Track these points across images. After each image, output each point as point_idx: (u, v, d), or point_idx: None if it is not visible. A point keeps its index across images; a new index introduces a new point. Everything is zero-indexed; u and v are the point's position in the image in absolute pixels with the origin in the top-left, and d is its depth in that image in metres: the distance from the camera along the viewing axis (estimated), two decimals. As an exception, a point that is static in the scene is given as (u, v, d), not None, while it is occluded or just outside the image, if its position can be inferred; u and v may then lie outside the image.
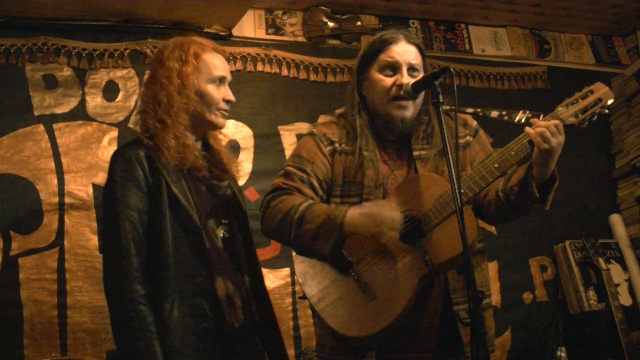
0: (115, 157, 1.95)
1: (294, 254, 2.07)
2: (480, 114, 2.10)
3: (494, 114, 2.04)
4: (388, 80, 2.05)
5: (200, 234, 1.88)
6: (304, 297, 2.01)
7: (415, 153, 2.07)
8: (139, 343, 1.74)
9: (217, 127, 2.08)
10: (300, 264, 2.02)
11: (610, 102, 1.93)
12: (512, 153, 1.91)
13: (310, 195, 2.04)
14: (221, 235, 1.97)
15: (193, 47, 2.02)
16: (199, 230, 1.88)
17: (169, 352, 1.77)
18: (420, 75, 2.07)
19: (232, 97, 2.06)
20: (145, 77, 2.13)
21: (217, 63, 2.04)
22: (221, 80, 2.04)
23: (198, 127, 2.05)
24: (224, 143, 2.22)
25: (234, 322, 1.88)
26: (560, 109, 1.93)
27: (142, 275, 1.81)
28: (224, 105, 2.04)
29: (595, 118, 1.94)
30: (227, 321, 1.87)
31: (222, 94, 2.03)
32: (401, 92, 2.03)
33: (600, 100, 1.93)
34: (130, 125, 3.34)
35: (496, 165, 1.92)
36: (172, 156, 1.90)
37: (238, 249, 2.02)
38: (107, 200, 1.91)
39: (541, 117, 1.92)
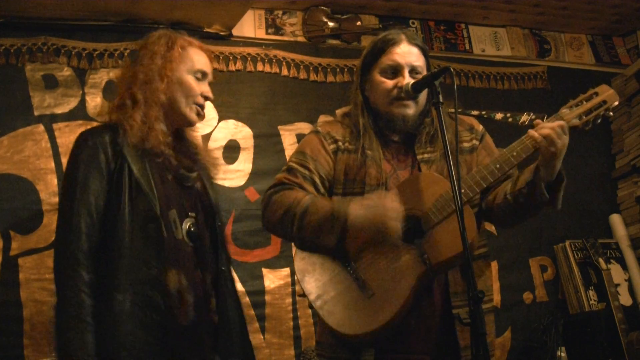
0: (78, 140, 1.89)
1: (294, 252, 2.07)
2: (485, 116, 2.10)
3: (499, 116, 2.05)
4: (389, 83, 2.05)
5: (158, 223, 1.81)
6: (304, 295, 2.01)
7: (420, 156, 2.07)
8: (70, 333, 1.68)
9: (189, 122, 2.03)
10: (300, 261, 2.02)
11: (615, 104, 1.92)
12: (515, 154, 1.91)
13: (312, 192, 2.04)
14: (187, 228, 1.91)
15: (180, 40, 2.01)
16: (157, 219, 1.81)
17: (115, 343, 1.70)
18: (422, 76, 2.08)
19: (210, 94, 2.03)
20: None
21: (201, 59, 2.02)
22: (203, 74, 2.01)
23: (170, 118, 1.99)
24: (199, 136, 2.17)
25: (182, 318, 1.81)
26: (564, 110, 1.93)
27: (90, 261, 1.75)
28: (200, 100, 2.00)
29: (599, 121, 1.94)
30: (174, 315, 1.80)
31: (201, 88, 2.00)
32: (402, 94, 2.03)
33: (605, 102, 1.92)
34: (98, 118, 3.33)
35: (497, 166, 1.92)
36: (134, 134, 1.84)
37: (203, 244, 1.96)
38: (66, 182, 1.86)
39: (545, 118, 1.92)
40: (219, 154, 3.50)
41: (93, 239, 1.77)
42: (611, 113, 1.94)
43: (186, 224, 1.91)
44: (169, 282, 1.80)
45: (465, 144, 2.11)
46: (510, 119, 2.00)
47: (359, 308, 1.91)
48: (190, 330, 1.83)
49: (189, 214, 1.94)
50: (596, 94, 1.94)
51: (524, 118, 1.98)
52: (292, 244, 2.14)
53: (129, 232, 1.78)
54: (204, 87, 2.01)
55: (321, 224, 1.91)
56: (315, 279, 1.98)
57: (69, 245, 1.75)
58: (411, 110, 2.05)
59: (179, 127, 2.06)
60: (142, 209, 1.81)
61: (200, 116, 2.03)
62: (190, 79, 1.97)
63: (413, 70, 2.06)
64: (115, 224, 1.78)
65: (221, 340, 1.94)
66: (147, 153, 1.87)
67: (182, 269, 1.85)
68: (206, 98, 2.01)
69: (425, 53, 2.12)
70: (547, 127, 1.85)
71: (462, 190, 1.84)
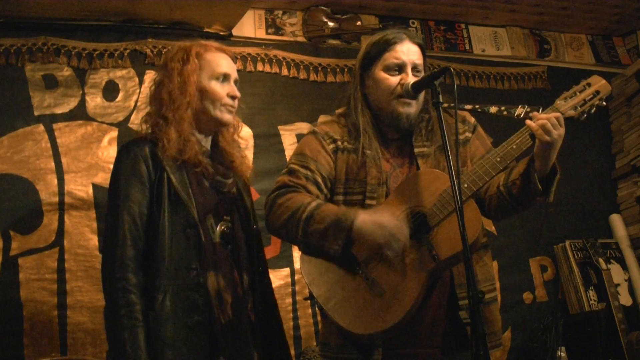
0: (120, 152, 2.00)
1: (295, 254, 2.07)
2: (479, 109, 2.11)
3: (493, 109, 2.06)
4: (393, 80, 2.07)
5: (197, 228, 1.91)
6: (310, 297, 2.01)
7: (417, 150, 2.08)
8: (124, 332, 1.77)
9: (223, 123, 2.10)
10: (307, 263, 2.02)
11: (607, 93, 1.96)
12: (514, 146, 1.93)
13: (316, 193, 2.04)
14: (221, 230, 1.99)
15: (195, 48, 2.07)
16: (196, 224, 1.91)
17: (160, 343, 1.79)
18: (422, 75, 2.09)
19: (236, 93, 2.09)
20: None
21: (220, 61, 2.08)
22: (225, 76, 2.08)
23: (204, 124, 2.08)
24: (240, 143, 2.27)
25: (222, 318, 1.90)
26: (559, 102, 1.97)
27: (137, 265, 1.85)
28: (228, 101, 2.07)
29: (594, 110, 1.97)
30: (215, 316, 1.88)
31: (225, 90, 2.07)
32: (405, 92, 2.04)
33: (598, 92, 1.97)
34: (132, 125, 3.34)
35: (498, 159, 1.93)
36: (171, 147, 1.93)
37: (239, 246, 2.04)
38: (111, 193, 1.96)
39: (540, 111, 1.93)
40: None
41: (138, 245, 1.87)
42: (604, 103, 1.98)
43: (220, 227, 2.00)
44: (208, 283, 1.89)
45: (459, 137, 2.11)
46: (505, 112, 2.02)
47: (370, 307, 1.92)
48: (229, 328, 1.91)
49: (224, 217, 2.03)
50: (589, 84, 1.99)
51: (519, 111, 1.99)
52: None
53: (169, 237, 1.88)
54: (229, 88, 2.09)
55: (326, 233, 1.92)
56: (324, 281, 1.98)
57: (116, 251, 1.84)
58: (414, 108, 2.08)
59: (216, 129, 2.14)
60: (181, 216, 1.91)
61: (232, 114, 2.11)
62: (212, 85, 2.05)
63: (415, 68, 2.08)
64: (157, 230, 1.88)
65: (259, 337, 2.03)
66: (185, 163, 1.97)
67: (220, 270, 1.94)
68: (233, 97, 2.09)
69: (424, 52, 2.14)
70: (543, 117, 1.87)
71: (465, 185, 1.88)
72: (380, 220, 1.89)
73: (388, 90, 2.07)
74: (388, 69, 2.08)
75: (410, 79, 2.04)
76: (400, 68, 2.07)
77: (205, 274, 1.89)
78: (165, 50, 3.45)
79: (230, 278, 1.96)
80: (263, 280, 2.14)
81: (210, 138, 2.14)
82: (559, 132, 1.86)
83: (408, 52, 2.08)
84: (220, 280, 1.92)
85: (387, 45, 2.09)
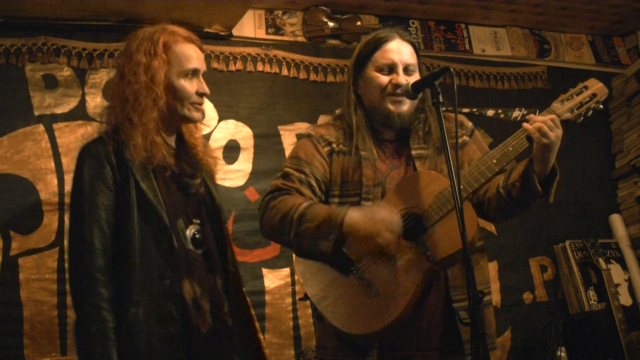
0: (82, 153, 1.86)
1: (294, 253, 2.07)
2: (477, 113, 2.11)
3: (490, 112, 2.06)
4: (384, 78, 2.06)
5: (168, 234, 1.79)
6: (305, 298, 2.00)
7: (414, 152, 2.08)
8: (96, 349, 1.68)
9: (193, 121, 1.98)
10: (301, 264, 2.01)
11: (604, 96, 1.96)
12: (510, 149, 1.93)
13: (309, 196, 2.03)
14: (191, 235, 1.89)
15: (163, 38, 1.89)
16: (167, 229, 1.79)
17: (134, 356, 1.71)
18: (416, 74, 2.08)
19: (206, 90, 1.95)
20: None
21: (189, 54, 1.91)
22: (194, 72, 1.91)
23: (171, 122, 1.94)
24: (201, 135, 2.10)
25: (201, 326, 1.81)
26: (555, 104, 1.97)
27: (107, 277, 1.74)
28: (197, 99, 1.93)
29: (590, 113, 1.97)
30: (194, 325, 1.79)
31: (194, 87, 1.92)
32: (398, 91, 2.03)
33: (594, 95, 1.97)
34: (98, 118, 3.33)
35: (494, 161, 1.93)
36: (138, 153, 1.81)
37: (210, 249, 1.94)
38: (75, 199, 1.83)
39: (537, 113, 1.93)
40: (219, 154, 3.50)
41: (107, 254, 1.76)
42: (601, 106, 1.98)
43: (190, 231, 1.90)
44: (184, 292, 1.79)
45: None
46: (502, 115, 2.03)
47: (364, 308, 1.91)
48: (209, 337, 1.83)
49: (193, 220, 1.92)
50: (586, 87, 1.99)
51: (516, 114, 2.00)
52: (292, 245, 2.13)
53: (140, 244, 1.77)
54: (198, 85, 1.92)
55: (317, 232, 1.91)
56: (318, 281, 1.97)
57: (85, 262, 1.73)
58: (406, 106, 2.06)
59: (182, 125, 2.02)
60: (151, 220, 1.79)
61: (200, 112, 1.97)
62: (181, 83, 1.89)
63: (407, 68, 2.07)
64: (126, 237, 1.77)
65: (238, 343, 1.94)
66: (153, 167, 1.85)
67: (195, 277, 1.84)
68: (202, 94, 1.94)
69: (417, 51, 2.13)
70: (540, 119, 1.87)
71: (461, 187, 1.84)
72: (371, 213, 1.88)
73: (379, 88, 2.06)
74: (379, 69, 2.07)
75: (402, 78, 2.03)
76: (391, 68, 2.06)
77: (180, 282, 1.79)
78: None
79: (206, 284, 1.86)
80: (236, 281, 2.02)
81: (175, 134, 1.99)
82: (556, 134, 1.86)
83: (399, 51, 2.06)
84: (196, 287, 1.82)
85: (377, 45, 2.08)
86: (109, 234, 1.77)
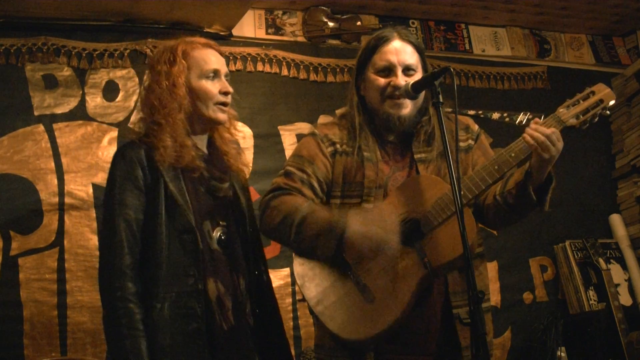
0: (115, 156, 1.96)
1: (293, 254, 2.06)
2: (482, 115, 2.09)
3: (495, 115, 2.04)
4: (382, 80, 2.04)
5: (194, 235, 1.88)
6: (303, 299, 2.00)
7: (417, 155, 2.06)
8: (126, 341, 1.76)
9: (217, 122, 2.06)
10: (299, 266, 2.01)
11: (611, 103, 1.92)
12: (512, 155, 1.90)
13: (311, 197, 2.02)
14: (217, 236, 1.97)
15: (181, 47, 2.00)
16: (193, 230, 1.88)
17: (158, 351, 1.77)
18: (417, 74, 2.05)
19: (229, 88, 2.03)
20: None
21: (208, 57, 2.02)
22: (215, 73, 2.01)
23: (198, 125, 2.04)
24: (237, 137, 2.23)
25: (224, 324, 1.88)
26: (561, 110, 1.93)
27: (135, 273, 1.82)
28: (221, 98, 2.02)
29: (596, 119, 1.93)
30: (217, 323, 1.86)
31: (217, 87, 2.01)
32: (396, 93, 2.01)
33: (601, 101, 1.92)
34: (130, 125, 3.34)
35: (496, 167, 1.91)
36: (168, 155, 1.90)
37: (235, 250, 2.01)
38: (106, 199, 1.93)
39: (542, 118, 1.91)
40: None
41: (135, 252, 1.85)
42: (608, 112, 1.94)
43: (216, 233, 1.97)
44: (208, 290, 1.87)
45: (461, 144, 2.10)
46: (507, 119, 2.01)
47: (360, 313, 1.90)
48: (231, 334, 1.90)
49: (220, 223, 2.00)
50: (593, 92, 1.94)
51: (521, 118, 1.98)
52: (292, 248, 2.13)
53: (167, 243, 1.85)
54: (220, 84, 2.02)
55: (318, 235, 1.89)
56: (315, 284, 1.97)
57: (114, 259, 1.82)
58: (407, 109, 2.04)
59: (211, 128, 2.10)
60: (178, 221, 1.88)
61: (225, 112, 2.06)
62: (202, 84, 1.99)
63: (406, 69, 2.04)
64: (154, 236, 1.85)
65: (262, 342, 2.01)
66: (182, 169, 1.94)
67: (219, 276, 1.92)
68: (226, 93, 2.03)
69: (419, 50, 2.10)
70: (542, 133, 1.83)
71: (462, 192, 1.81)
72: (369, 233, 1.84)
73: (378, 90, 2.04)
74: (378, 71, 2.05)
75: (400, 79, 2.01)
76: (389, 70, 2.04)
77: (204, 281, 1.86)
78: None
79: (229, 283, 1.94)
80: (261, 283, 2.10)
81: (206, 137, 2.09)
82: (557, 148, 1.83)
83: (397, 52, 2.04)
84: (220, 286, 1.90)
85: (376, 46, 2.07)
86: (138, 233, 1.86)
